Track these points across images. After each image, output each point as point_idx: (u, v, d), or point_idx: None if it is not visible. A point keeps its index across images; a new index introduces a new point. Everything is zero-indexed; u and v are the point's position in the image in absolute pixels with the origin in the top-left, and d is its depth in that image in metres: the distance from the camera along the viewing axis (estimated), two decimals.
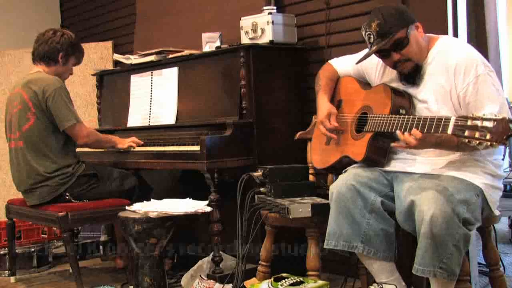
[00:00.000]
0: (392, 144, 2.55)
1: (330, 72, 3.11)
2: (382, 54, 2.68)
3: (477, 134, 2.11)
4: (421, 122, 2.38)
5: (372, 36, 2.64)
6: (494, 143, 2.09)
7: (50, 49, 3.73)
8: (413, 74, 2.68)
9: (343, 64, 3.07)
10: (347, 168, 2.84)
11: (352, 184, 2.64)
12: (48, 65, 3.76)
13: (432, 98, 2.62)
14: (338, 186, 2.68)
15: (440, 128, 2.26)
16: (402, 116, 2.52)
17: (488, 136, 2.08)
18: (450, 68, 2.57)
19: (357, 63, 2.85)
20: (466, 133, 2.13)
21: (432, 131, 2.32)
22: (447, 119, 2.23)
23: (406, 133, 2.42)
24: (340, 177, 2.77)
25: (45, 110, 3.59)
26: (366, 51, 2.76)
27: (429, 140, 2.43)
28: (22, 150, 3.66)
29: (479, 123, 2.11)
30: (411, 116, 2.47)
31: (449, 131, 2.21)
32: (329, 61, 3.17)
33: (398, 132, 2.46)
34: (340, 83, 3.08)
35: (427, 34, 2.73)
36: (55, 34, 3.76)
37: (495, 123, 2.07)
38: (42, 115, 3.60)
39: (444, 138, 2.38)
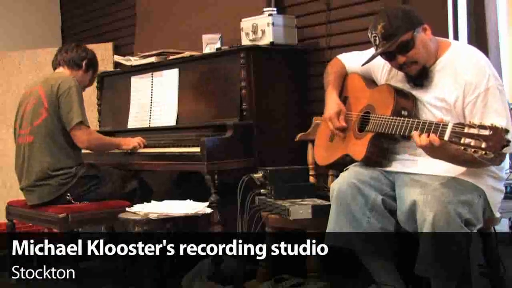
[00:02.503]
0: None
1: (339, 68, 3.07)
2: (388, 56, 2.66)
3: (473, 142, 2.11)
4: (420, 126, 2.37)
5: (377, 38, 2.61)
6: (488, 152, 2.08)
7: (76, 55, 3.84)
8: (420, 76, 2.65)
9: (352, 61, 3.04)
10: (349, 166, 2.84)
11: (353, 182, 2.64)
12: (71, 69, 3.83)
13: (437, 106, 2.61)
14: (339, 183, 2.68)
15: (438, 133, 2.26)
16: (402, 118, 2.52)
17: (483, 145, 2.09)
18: (460, 78, 2.54)
19: (363, 65, 2.83)
20: (462, 140, 2.14)
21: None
22: (445, 125, 2.23)
23: (423, 136, 2.35)
24: (342, 174, 2.77)
25: (57, 107, 3.62)
26: (373, 50, 2.74)
27: (445, 151, 2.36)
28: (30, 145, 3.68)
29: (475, 131, 2.11)
30: (411, 119, 2.46)
31: (446, 137, 2.21)
32: (338, 57, 3.13)
33: (414, 133, 2.41)
34: (347, 80, 3.06)
35: (438, 38, 2.69)
36: (80, 46, 3.91)
37: (491, 132, 2.08)
38: (54, 112, 3.63)
39: (460, 152, 2.28)
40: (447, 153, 2.37)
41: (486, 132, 2.08)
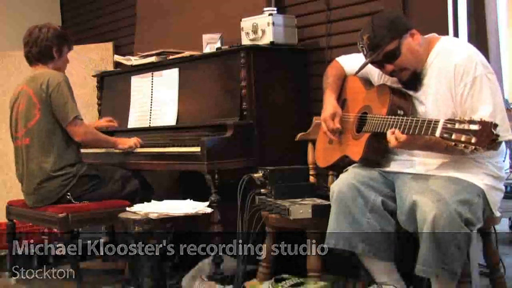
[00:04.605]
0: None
1: (338, 70, 3.10)
2: (377, 65, 2.69)
3: (463, 138, 2.13)
4: (413, 124, 2.39)
5: (364, 48, 2.66)
6: (478, 147, 2.10)
7: (42, 48, 3.74)
8: (412, 81, 2.67)
9: (350, 64, 3.06)
10: (348, 168, 2.84)
11: (352, 183, 2.65)
12: (45, 63, 3.77)
13: (430, 100, 2.62)
14: (339, 185, 2.69)
15: (430, 130, 2.28)
16: (396, 117, 2.53)
17: (473, 140, 2.10)
18: (450, 70, 2.56)
19: (355, 74, 2.86)
20: (453, 136, 2.15)
21: (422, 133, 2.33)
22: (436, 122, 2.25)
23: (390, 133, 2.46)
24: (341, 176, 2.78)
25: (49, 105, 3.60)
26: None
27: (416, 142, 2.46)
28: (27, 147, 3.66)
29: (466, 126, 2.12)
30: (404, 118, 2.47)
31: (437, 133, 2.22)
32: (337, 59, 3.16)
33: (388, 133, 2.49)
34: (346, 83, 3.09)
35: (426, 36, 2.71)
36: (41, 31, 3.75)
37: (480, 127, 2.09)
38: (47, 110, 3.61)
39: (434, 141, 2.37)
40: (419, 143, 2.48)
41: (475, 127, 2.10)
